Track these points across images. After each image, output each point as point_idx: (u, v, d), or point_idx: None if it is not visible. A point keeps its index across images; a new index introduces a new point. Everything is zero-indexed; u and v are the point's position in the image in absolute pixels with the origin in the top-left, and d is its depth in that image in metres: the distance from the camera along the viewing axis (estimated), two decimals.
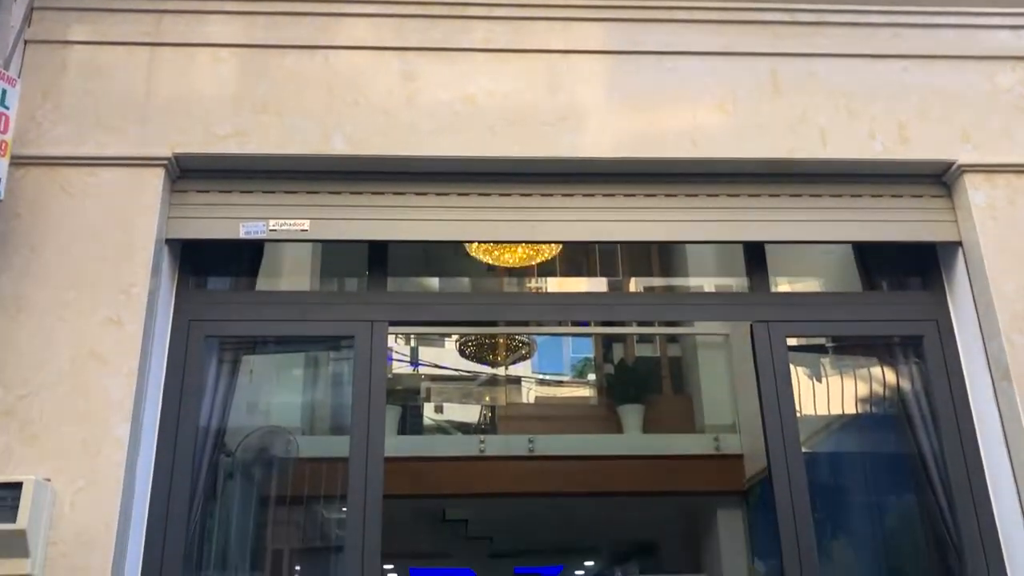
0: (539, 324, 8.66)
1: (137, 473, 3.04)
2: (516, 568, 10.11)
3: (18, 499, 2.69)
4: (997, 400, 3.30)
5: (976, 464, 3.36)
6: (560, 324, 9.15)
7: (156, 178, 3.31)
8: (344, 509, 3.28)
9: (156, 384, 3.21)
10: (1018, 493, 3.19)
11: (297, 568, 6.91)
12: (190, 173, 3.43)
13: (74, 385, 3.00)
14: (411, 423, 8.88)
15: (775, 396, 3.43)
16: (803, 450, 3.43)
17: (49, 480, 2.84)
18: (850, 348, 4.44)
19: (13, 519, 2.67)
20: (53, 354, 3.03)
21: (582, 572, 12.90)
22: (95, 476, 2.89)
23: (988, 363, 3.35)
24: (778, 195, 3.58)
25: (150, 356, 3.16)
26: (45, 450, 2.91)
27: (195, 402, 3.27)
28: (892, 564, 4.80)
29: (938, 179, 3.61)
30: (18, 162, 3.20)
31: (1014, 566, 3.20)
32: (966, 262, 3.49)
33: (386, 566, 11.30)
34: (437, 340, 11.02)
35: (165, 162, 3.32)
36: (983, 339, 3.38)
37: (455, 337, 9.51)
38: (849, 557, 5.29)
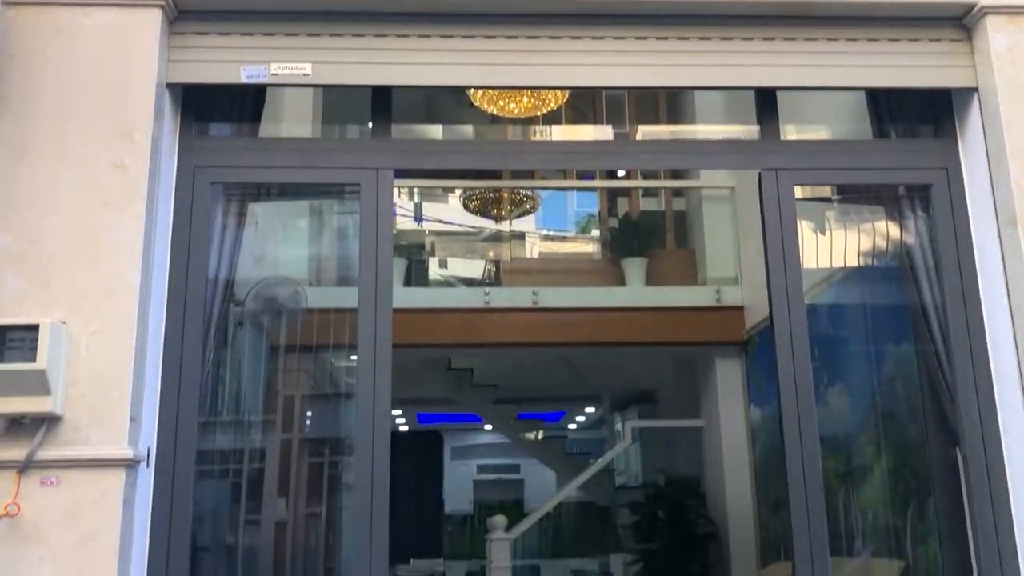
0: (544, 177, 8.60)
1: (150, 317, 3.09)
2: (519, 414, 10.45)
3: (36, 340, 2.75)
4: (1001, 247, 3.31)
5: (976, 311, 3.40)
6: (565, 177, 9.09)
7: (153, 19, 3.21)
8: (353, 357, 3.36)
9: (164, 230, 3.22)
10: (1015, 339, 3.24)
11: (308, 413, 7.15)
12: (188, 14, 3.32)
13: (82, 230, 3.01)
14: (416, 277, 8.97)
15: (780, 244, 3.44)
16: (805, 301, 3.47)
17: (64, 323, 2.90)
18: (856, 200, 4.43)
19: (33, 359, 2.74)
20: (59, 199, 3.02)
21: (583, 418, 13.36)
22: (108, 319, 2.95)
23: (995, 211, 3.34)
24: (793, 39, 3.48)
25: (156, 202, 3.15)
26: (58, 294, 2.95)
27: (203, 248, 3.29)
28: (887, 410, 4.95)
29: (958, 22, 3.50)
30: (9, 2, 3.09)
31: (1005, 409, 3.30)
32: (981, 108, 3.43)
33: (394, 411, 11.70)
34: (441, 196, 10.97)
35: (161, 2, 3.22)
36: (992, 187, 3.36)
37: (459, 192, 9.47)
38: (845, 404, 5.45)
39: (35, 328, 2.76)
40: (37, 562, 2.74)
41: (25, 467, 2.78)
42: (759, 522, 7.36)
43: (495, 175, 8.34)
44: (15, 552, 2.75)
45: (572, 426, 13.82)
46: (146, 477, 3.00)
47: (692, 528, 7.72)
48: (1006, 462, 3.26)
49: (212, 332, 3.29)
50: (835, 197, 4.56)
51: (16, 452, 2.79)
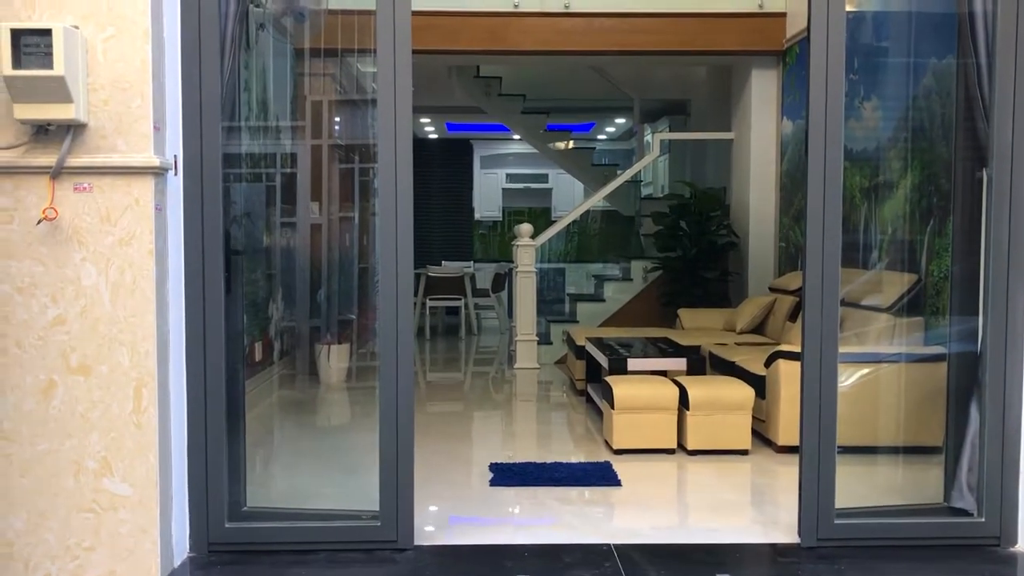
0: None
1: (164, 22, 3.01)
2: (548, 124, 10.37)
3: (51, 45, 2.70)
4: None
5: None
6: None
7: None
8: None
9: None
10: None
11: (337, 119, 7.16)
12: None
13: None
14: None
15: None
16: (847, 8, 3.29)
17: (77, 28, 2.84)
18: None
19: (50, 65, 2.71)
20: None
21: (612, 129, 13.26)
22: (122, 25, 2.88)
23: None
24: None
25: None
26: None
27: None
28: (919, 126, 4.85)
29: None
30: None
31: None
32: None
33: (423, 119, 11.67)
34: None
35: None
36: None
37: None
38: (877, 118, 5.34)
39: (48, 32, 2.71)
40: (80, 262, 2.90)
41: (56, 173, 2.85)
42: (779, 233, 7.52)
43: None
44: (59, 253, 2.90)
45: (601, 137, 13.76)
46: (175, 184, 3.08)
47: (713, 238, 7.90)
48: None
49: (230, 34, 3.19)
50: None
51: (46, 159, 2.86)
